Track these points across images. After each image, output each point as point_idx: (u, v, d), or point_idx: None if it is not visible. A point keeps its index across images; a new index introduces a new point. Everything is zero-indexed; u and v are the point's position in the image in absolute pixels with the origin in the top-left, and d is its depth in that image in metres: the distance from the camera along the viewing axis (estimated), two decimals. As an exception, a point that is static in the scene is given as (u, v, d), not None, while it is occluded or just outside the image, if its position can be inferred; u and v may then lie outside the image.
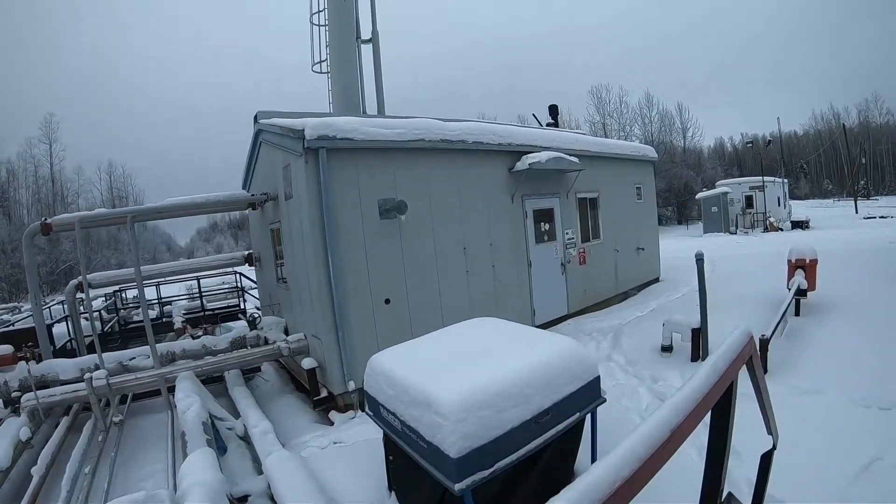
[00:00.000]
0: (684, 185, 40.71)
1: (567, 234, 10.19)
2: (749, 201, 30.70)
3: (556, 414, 3.67)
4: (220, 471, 4.58)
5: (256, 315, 10.00)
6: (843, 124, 59.91)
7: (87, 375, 6.87)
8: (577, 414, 3.92)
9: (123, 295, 17.18)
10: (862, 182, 55.29)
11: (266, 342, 8.52)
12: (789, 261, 8.44)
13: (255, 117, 8.28)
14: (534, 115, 14.44)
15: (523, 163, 8.87)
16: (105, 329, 13.50)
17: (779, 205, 33.24)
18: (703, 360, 6.78)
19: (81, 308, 10.93)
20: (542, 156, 8.94)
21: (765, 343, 6.07)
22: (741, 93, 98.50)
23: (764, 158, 37.38)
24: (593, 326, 9.58)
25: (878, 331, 6.81)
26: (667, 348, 7.40)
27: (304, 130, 6.27)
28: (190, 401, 6.32)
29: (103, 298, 16.71)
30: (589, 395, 4.05)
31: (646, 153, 13.20)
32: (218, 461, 4.85)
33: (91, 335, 11.73)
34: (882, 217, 31.78)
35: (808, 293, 8.09)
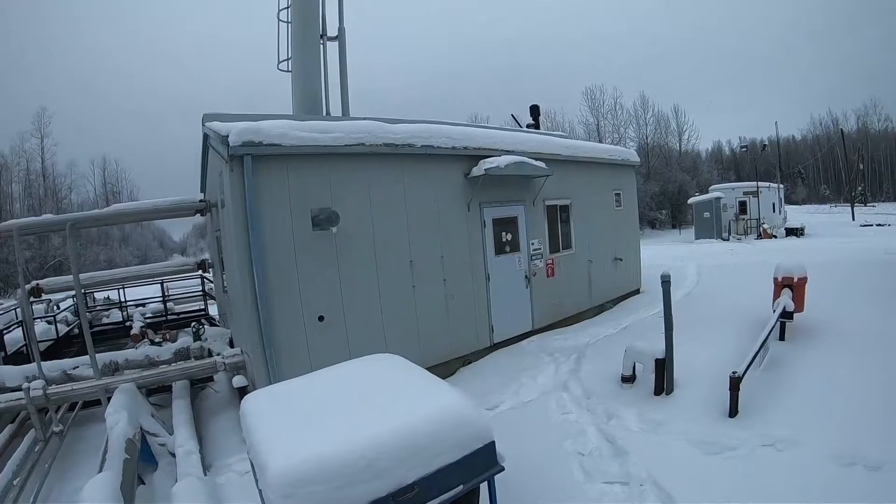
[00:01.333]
0: (679, 188, 39.68)
1: (533, 244, 9.28)
2: (742, 207, 29.71)
3: (425, 489, 3.02)
4: (122, 496, 4.38)
5: (200, 326, 9.30)
6: (842, 130, 58.90)
7: (24, 385, 6.70)
8: (460, 487, 3.16)
9: (93, 297, 16.44)
10: (859, 188, 54.25)
11: (209, 354, 8.18)
12: (775, 279, 7.50)
13: (203, 120, 7.44)
14: (512, 115, 13.54)
15: (479, 168, 8.01)
16: (70, 332, 13.04)
17: (774, 211, 32.32)
18: (668, 393, 5.69)
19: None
20: (502, 160, 8.06)
21: (735, 382, 5.19)
22: (739, 96, 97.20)
23: (761, 163, 36.46)
24: (557, 345, 8.69)
25: (871, 362, 5.92)
26: (628, 378, 6.49)
27: (228, 136, 5.73)
28: (117, 416, 6.00)
29: (72, 300, 15.96)
30: (477, 464, 3.28)
31: (626, 157, 12.27)
32: (127, 483, 4.75)
33: (52, 339, 11.26)
34: (879, 225, 30.85)
35: (796, 314, 7.17)
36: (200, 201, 9.55)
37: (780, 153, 48.12)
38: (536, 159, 8.76)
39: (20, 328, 11.04)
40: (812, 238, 25.71)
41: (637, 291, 12.74)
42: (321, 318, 6.43)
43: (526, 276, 9.19)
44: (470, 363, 8.25)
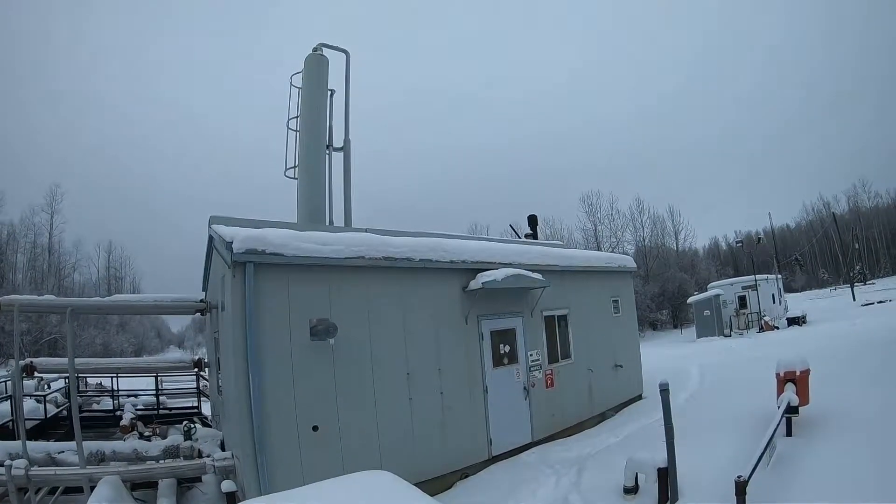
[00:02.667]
0: (678, 287, 39.99)
1: (531, 355, 9.33)
2: (742, 301, 29.79)
3: None
4: None
5: (192, 426, 9.22)
6: (833, 213, 60.01)
7: (6, 462, 6.68)
8: None
9: (85, 381, 16.30)
10: (857, 267, 54.57)
11: (200, 454, 8.04)
12: (777, 374, 7.45)
13: (209, 222, 7.76)
14: (511, 225, 14.03)
15: (477, 282, 8.21)
16: (58, 414, 12.94)
17: (773, 302, 32.34)
18: (672, 502, 5.40)
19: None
20: (499, 274, 8.28)
21: (741, 486, 5.03)
22: (731, 191, 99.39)
23: (757, 255, 36.92)
24: (558, 457, 8.54)
25: (879, 449, 5.78)
26: (630, 490, 6.40)
27: (232, 243, 5.87)
28: None
29: (64, 381, 15.88)
30: None
31: (623, 263, 12.56)
32: None
33: (39, 419, 11.12)
34: (880, 302, 30.76)
35: (801, 408, 7.09)
36: (201, 301, 9.66)
37: (775, 243, 48.72)
38: (533, 271, 8.97)
39: (8, 401, 10.95)
40: (814, 325, 25.56)
41: (639, 397, 12.61)
42: (315, 429, 6.34)
43: (524, 388, 9.16)
44: (467, 476, 8.06)
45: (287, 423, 6.15)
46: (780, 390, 7.29)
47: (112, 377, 15.27)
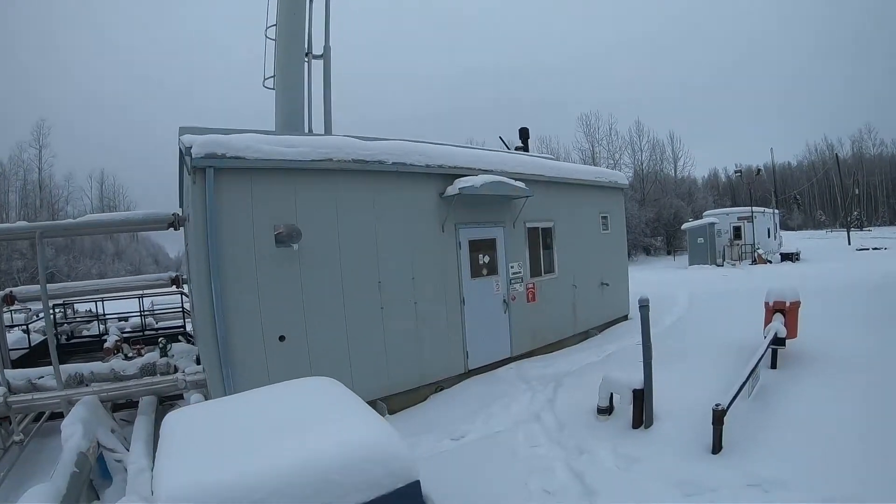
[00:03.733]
0: (674, 214, 39.23)
1: (512, 267, 8.86)
2: (737, 232, 29.20)
3: None
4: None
5: (167, 342, 8.93)
6: (836, 154, 58.64)
7: None
8: None
9: (73, 308, 16.06)
10: (855, 213, 54.06)
11: (175, 370, 7.82)
12: (766, 304, 7.12)
13: (179, 133, 7.16)
14: (500, 138, 13.15)
15: (454, 187, 7.65)
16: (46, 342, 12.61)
17: (769, 236, 31.87)
18: (647, 427, 4.98)
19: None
20: (477, 179, 7.70)
21: (719, 415, 4.73)
22: (735, 124, 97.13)
23: (756, 189, 36.16)
24: (537, 373, 8.20)
25: (871, 393, 5.47)
26: (604, 410, 6.03)
27: (191, 148, 5.59)
28: (72, 429, 5.76)
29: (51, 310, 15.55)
30: None
31: (614, 179, 11.90)
32: (71, 496, 4.58)
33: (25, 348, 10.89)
34: (875, 248, 30.38)
35: (789, 341, 6.75)
36: (173, 214, 9.17)
37: (775, 178, 47.95)
38: (517, 180, 8.38)
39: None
40: (807, 263, 25.26)
41: (625, 318, 12.27)
42: (282, 339, 6.11)
43: (504, 301, 8.76)
44: (442, 390, 7.80)
45: (252, 332, 5.93)
46: (768, 320, 6.95)
47: (98, 301, 15.00)
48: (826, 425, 4.88)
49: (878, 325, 8.01)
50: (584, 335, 10.63)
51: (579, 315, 10.47)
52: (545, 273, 9.63)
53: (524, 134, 13.87)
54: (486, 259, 8.55)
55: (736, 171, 29.64)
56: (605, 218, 11.49)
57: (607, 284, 11.31)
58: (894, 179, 66.86)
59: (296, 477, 2.54)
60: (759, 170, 28.72)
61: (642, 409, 5.58)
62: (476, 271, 8.38)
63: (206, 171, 5.62)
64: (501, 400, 7.13)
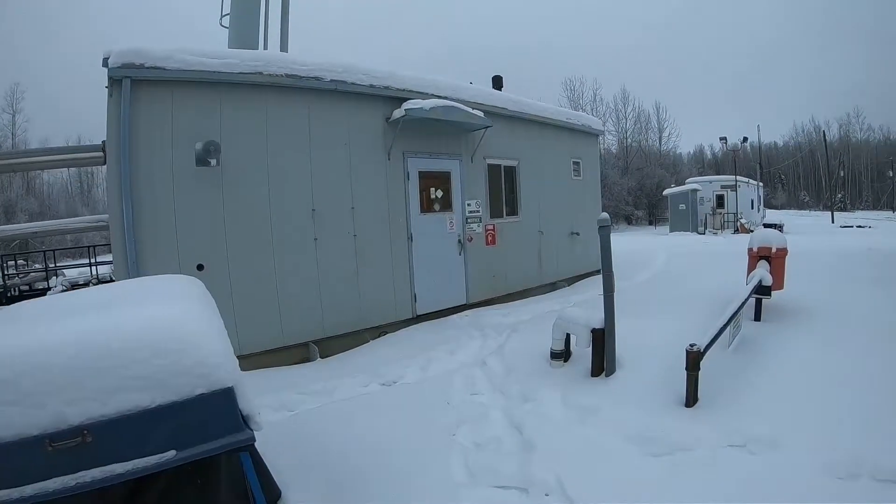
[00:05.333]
0: (657, 184, 38.04)
1: (469, 205, 7.91)
2: (720, 201, 28.35)
3: (105, 441, 1.88)
4: None
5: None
6: (824, 132, 57.61)
7: None
8: (172, 453, 1.95)
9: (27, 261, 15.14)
10: (839, 195, 53.35)
11: None
12: (750, 249, 6.31)
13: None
14: (471, 83, 11.98)
15: (401, 110, 6.68)
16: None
17: (752, 207, 31.18)
18: (609, 374, 4.58)
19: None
20: (427, 102, 6.80)
21: (695, 357, 3.83)
22: (721, 105, 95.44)
23: (741, 162, 35.25)
24: (493, 321, 7.30)
25: (864, 347, 4.66)
26: (558, 355, 5.13)
27: (108, 58, 5.03)
28: None
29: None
30: (201, 421, 2.03)
31: (587, 123, 10.86)
32: None
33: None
34: (859, 226, 29.64)
35: (775, 293, 5.93)
36: (102, 142, 8.06)
37: (760, 154, 47.17)
38: (474, 109, 7.42)
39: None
40: (791, 235, 24.48)
41: (598, 272, 11.37)
42: (200, 268, 5.43)
43: (459, 241, 7.82)
44: (386, 335, 6.90)
45: (168, 259, 5.29)
46: (752, 267, 6.13)
47: (43, 251, 14.01)
48: (819, 380, 4.06)
49: (870, 286, 7.24)
50: (552, 286, 9.73)
51: (546, 264, 9.56)
52: (507, 215, 8.68)
53: (497, 82, 12.74)
54: (439, 193, 7.60)
55: (721, 139, 28.53)
56: (577, 163, 10.50)
57: (578, 234, 10.37)
58: (880, 164, 65.88)
59: (55, 357, 1.90)
60: (744, 138, 27.73)
61: (603, 354, 4.70)
62: (427, 206, 7.44)
63: (122, 83, 5.01)
64: (447, 345, 6.29)
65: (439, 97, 7.16)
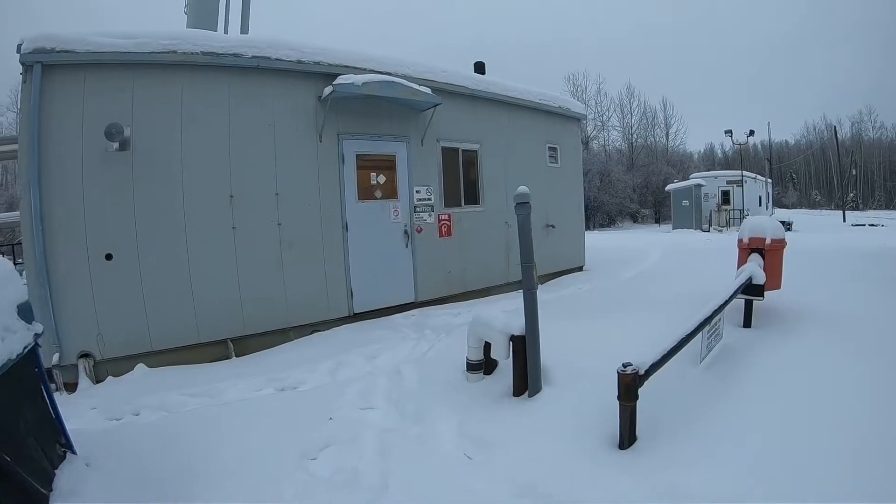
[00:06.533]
0: (664, 181, 36.41)
1: (418, 192, 6.96)
2: (725, 197, 26.83)
3: None
4: None
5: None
6: (835, 127, 55.37)
7: None
8: None
9: None
10: (851, 194, 51.24)
11: None
12: (740, 241, 5.33)
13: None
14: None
15: (330, 86, 5.83)
16: None
17: (760, 205, 29.66)
18: (532, 395, 3.65)
19: None
20: (360, 77, 5.91)
21: (630, 383, 2.84)
22: (735, 101, 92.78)
23: (752, 160, 33.79)
24: (440, 322, 6.39)
25: (875, 366, 3.68)
26: (475, 366, 4.19)
27: (21, 45, 4.75)
28: None
29: None
30: None
31: (565, 105, 9.75)
32: None
33: None
34: (871, 224, 28.07)
35: (770, 293, 4.95)
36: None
37: (771, 150, 45.45)
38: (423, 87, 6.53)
39: None
40: (801, 233, 23.06)
41: (580, 269, 10.39)
42: (109, 257, 5.01)
43: (406, 232, 6.88)
44: (315, 333, 6.10)
45: (77, 249, 4.88)
46: (743, 261, 5.11)
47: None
48: (808, 413, 3.09)
49: (884, 286, 6.24)
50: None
51: (515, 259, 8.51)
52: (466, 204, 7.70)
53: (480, 69, 11.73)
54: (381, 179, 6.67)
55: (726, 132, 26.99)
56: (553, 149, 9.45)
57: (554, 227, 9.35)
58: (892, 163, 63.65)
59: None
60: (751, 131, 26.17)
61: (525, 368, 3.75)
62: (366, 192, 6.53)
63: (33, 68, 4.69)
64: (371, 347, 5.43)
65: (380, 72, 6.27)
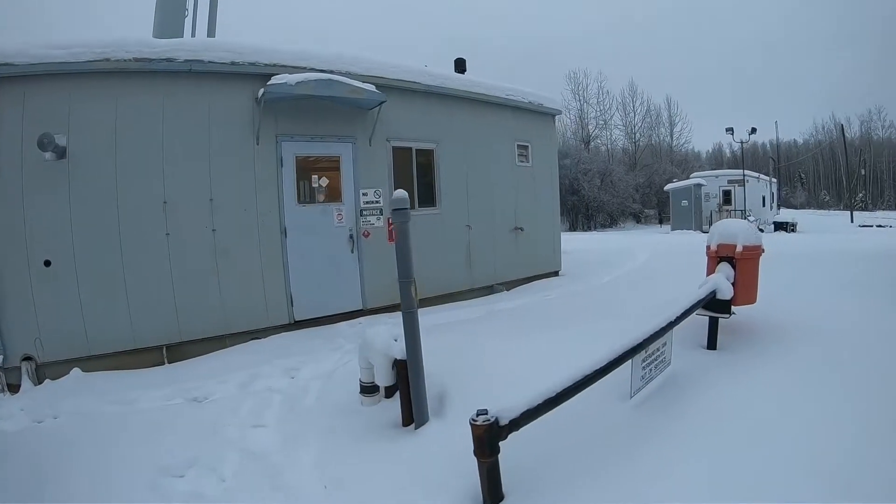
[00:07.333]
0: (667, 181, 35.63)
1: (365, 195, 6.57)
2: (727, 197, 26.08)
3: None
4: None
5: None
6: (842, 125, 53.82)
7: None
8: None
9: None
10: (860, 195, 49.84)
11: None
12: (708, 248, 4.56)
13: None
14: (425, 66, 10.64)
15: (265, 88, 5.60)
16: None
17: (764, 205, 28.84)
18: (418, 426, 3.35)
19: None
20: (294, 77, 5.62)
21: (483, 435, 2.40)
22: (741, 104, 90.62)
23: (760, 160, 32.86)
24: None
25: (865, 402, 2.97)
26: (369, 388, 3.86)
27: None
28: None
29: None
30: None
31: (537, 101, 9.17)
32: None
33: None
34: (879, 226, 27.05)
35: (743, 308, 4.31)
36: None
37: (778, 150, 44.42)
38: (377, 87, 6.22)
39: None
40: (805, 234, 22.22)
41: (555, 274, 9.92)
42: (47, 264, 5.05)
43: (351, 237, 6.53)
44: (253, 341, 5.87)
45: (16, 256, 4.95)
46: (711, 271, 4.41)
47: None
48: (763, 470, 2.45)
49: (887, 295, 5.48)
50: (489, 290, 8.33)
51: (478, 265, 8.14)
52: (421, 206, 7.28)
53: (460, 66, 11.28)
54: (324, 182, 6.34)
55: (727, 129, 26.07)
56: (524, 147, 8.99)
57: (522, 229, 8.93)
58: (902, 164, 62.00)
59: None
60: (753, 129, 25.28)
61: (408, 396, 3.41)
62: (306, 195, 6.22)
63: None
64: (294, 359, 5.14)
65: (321, 70, 5.95)
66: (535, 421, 2.49)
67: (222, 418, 3.76)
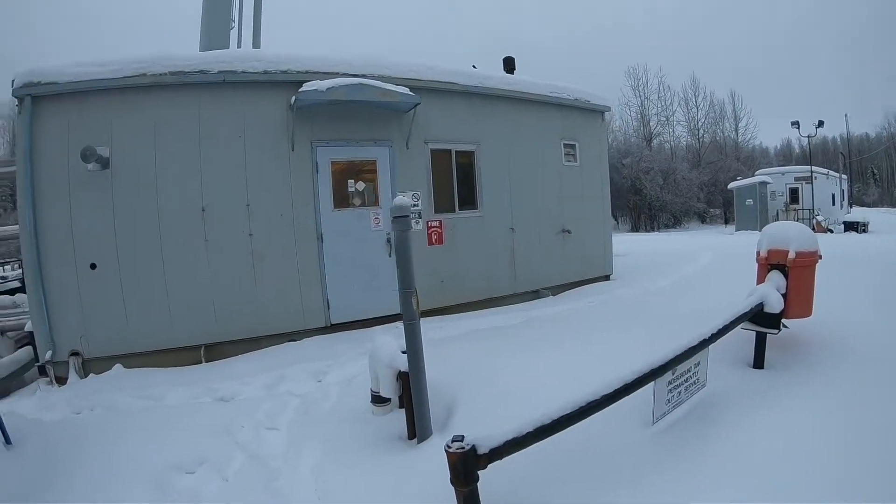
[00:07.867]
0: (733, 179, 33.72)
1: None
2: (794, 195, 24.34)
3: None
4: None
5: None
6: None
7: None
8: None
9: None
10: (943, 192, 45.47)
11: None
12: (757, 254, 4.06)
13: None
14: (473, 66, 10.39)
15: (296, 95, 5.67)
16: None
17: (833, 203, 26.81)
18: (420, 440, 3.26)
19: None
20: (324, 83, 5.62)
21: (459, 464, 2.17)
22: (810, 98, 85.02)
23: (831, 156, 30.62)
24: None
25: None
26: (381, 399, 3.68)
27: (14, 80, 5.18)
28: None
29: None
30: None
31: (583, 97, 8.74)
32: None
33: None
34: (964, 227, 24.44)
35: (795, 321, 3.83)
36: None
37: (849, 146, 41.32)
38: (413, 89, 6.10)
39: None
40: (877, 235, 20.31)
41: (606, 278, 9.41)
42: (93, 266, 5.37)
43: (388, 241, 6.36)
44: (294, 342, 6.00)
45: (65, 259, 5.30)
46: (760, 280, 3.96)
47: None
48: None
49: None
50: (534, 294, 7.97)
51: (521, 269, 7.79)
52: (461, 209, 7.07)
53: (509, 64, 10.91)
54: (360, 186, 6.23)
55: (793, 123, 24.26)
56: (570, 146, 8.59)
57: (569, 232, 8.50)
58: None
59: None
60: (820, 122, 23.41)
61: (412, 409, 3.26)
62: (342, 200, 6.16)
63: (24, 100, 5.14)
64: (321, 363, 5.09)
65: (353, 75, 5.86)
66: (538, 443, 2.25)
67: (239, 419, 3.88)
